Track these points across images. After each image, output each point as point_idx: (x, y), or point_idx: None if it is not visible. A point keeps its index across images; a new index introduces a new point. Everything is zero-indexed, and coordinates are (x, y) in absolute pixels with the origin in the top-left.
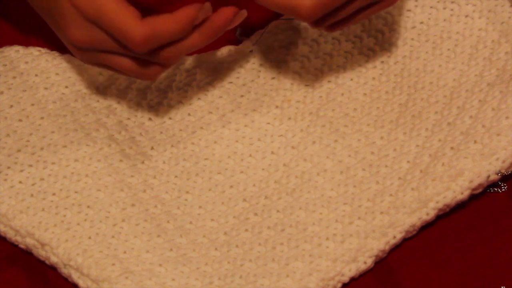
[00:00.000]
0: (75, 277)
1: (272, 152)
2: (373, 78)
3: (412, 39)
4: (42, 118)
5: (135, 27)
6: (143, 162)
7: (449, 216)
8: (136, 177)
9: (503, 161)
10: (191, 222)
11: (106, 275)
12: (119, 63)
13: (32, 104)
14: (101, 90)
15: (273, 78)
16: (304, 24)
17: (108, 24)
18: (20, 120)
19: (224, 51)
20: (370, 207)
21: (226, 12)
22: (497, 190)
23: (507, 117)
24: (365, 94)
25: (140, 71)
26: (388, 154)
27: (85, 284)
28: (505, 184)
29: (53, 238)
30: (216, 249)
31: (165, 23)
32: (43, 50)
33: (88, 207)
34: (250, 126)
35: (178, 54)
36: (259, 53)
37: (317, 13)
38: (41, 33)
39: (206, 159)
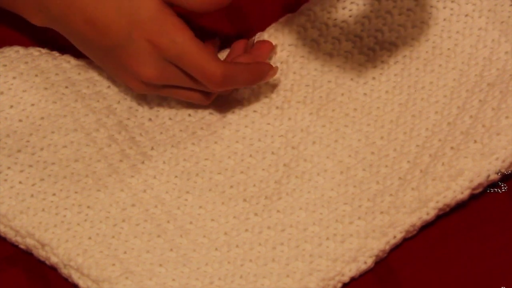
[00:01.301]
0: (75, 277)
1: (272, 153)
2: (373, 78)
3: (412, 38)
4: (42, 118)
5: (216, 68)
6: (143, 162)
7: (449, 216)
8: (136, 177)
9: (503, 161)
10: (191, 222)
11: (106, 275)
12: (185, 95)
13: (32, 104)
14: (101, 90)
15: (273, 79)
16: (303, 24)
17: (188, 64)
18: (20, 121)
19: (224, 53)
20: (370, 207)
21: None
22: (497, 190)
23: (507, 117)
24: (365, 94)
25: (204, 100)
26: (388, 154)
27: (85, 285)
28: (505, 184)
29: (53, 238)
30: (216, 249)
31: (242, 71)
32: (43, 50)
33: (88, 207)
34: (250, 127)
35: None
36: None
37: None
38: (41, 33)
39: (206, 159)
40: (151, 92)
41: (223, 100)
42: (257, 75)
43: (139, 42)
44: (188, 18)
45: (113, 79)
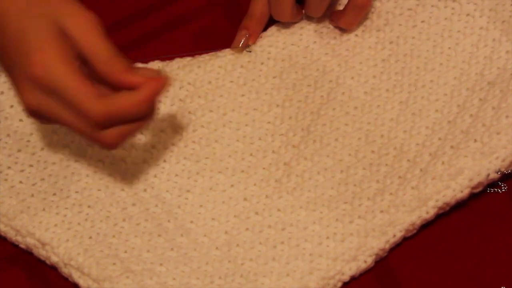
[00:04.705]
0: (76, 276)
1: (273, 151)
2: (374, 76)
3: (413, 37)
4: None
5: (93, 106)
6: (143, 161)
7: (449, 215)
8: (137, 176)
9: (503, 160)
10: (191, 221)
11: (107, 275)
12: (74, 125)
13: None
14: None
15: (274, 77)
16: (304, 26)
17: (65, 98)
18: (21, 120)
19: (225, 51)
20: (370, 206)
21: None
22: (497, 190)
23: (507, 116)
24: (365, 92)
25: (95, 136)
26: (388, 152)
27: (86, 284)
28: (505, 184)
29: (53, 237)
30: (216, 248)
31: (123, 105)
32: None
33: (89, 207)
34: (251, 125)
35: (136, 131)
36: (260, 53)
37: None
38: None
39: (207, 158)
40: (44, 122)
41: (224, 98)
42: (145, 105)
43: (22, 68)
44: (188, 18)
45: None
